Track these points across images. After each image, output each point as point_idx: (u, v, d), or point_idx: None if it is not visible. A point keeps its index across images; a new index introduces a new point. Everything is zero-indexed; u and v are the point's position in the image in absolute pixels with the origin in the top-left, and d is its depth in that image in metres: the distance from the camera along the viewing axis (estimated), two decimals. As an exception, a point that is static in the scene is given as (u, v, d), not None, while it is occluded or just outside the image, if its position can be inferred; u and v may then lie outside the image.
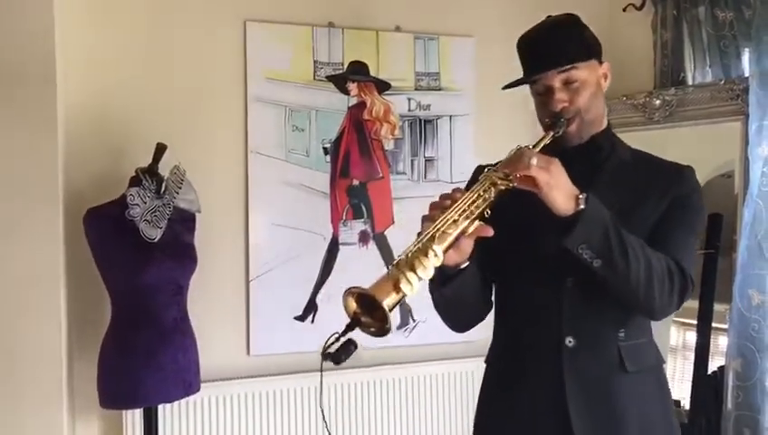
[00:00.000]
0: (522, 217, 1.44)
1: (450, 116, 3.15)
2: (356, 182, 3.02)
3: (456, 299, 1.48)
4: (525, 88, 1.57)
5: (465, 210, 1.33)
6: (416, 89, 3.11)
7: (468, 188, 1.42)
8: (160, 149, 2.46)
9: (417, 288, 1.24)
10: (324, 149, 2.97)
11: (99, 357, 2.39)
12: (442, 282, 1.42)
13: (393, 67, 3.06)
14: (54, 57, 2.34)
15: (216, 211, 2.74)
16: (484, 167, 1.49)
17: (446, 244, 1.30)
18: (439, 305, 1.53)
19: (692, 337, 2.80)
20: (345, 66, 3.00)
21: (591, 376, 1.49)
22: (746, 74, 2.77)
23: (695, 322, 2.81)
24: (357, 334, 1.26)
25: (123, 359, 2.34)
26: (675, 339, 2.95)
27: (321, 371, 1.37)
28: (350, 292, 1.24)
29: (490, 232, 1.34)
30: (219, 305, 2.80)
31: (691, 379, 2.70)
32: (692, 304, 2.82)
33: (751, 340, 2.58)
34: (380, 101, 3.05)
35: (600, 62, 1.56)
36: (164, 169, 2.48)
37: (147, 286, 2.35)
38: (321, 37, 2.97)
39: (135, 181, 2.41)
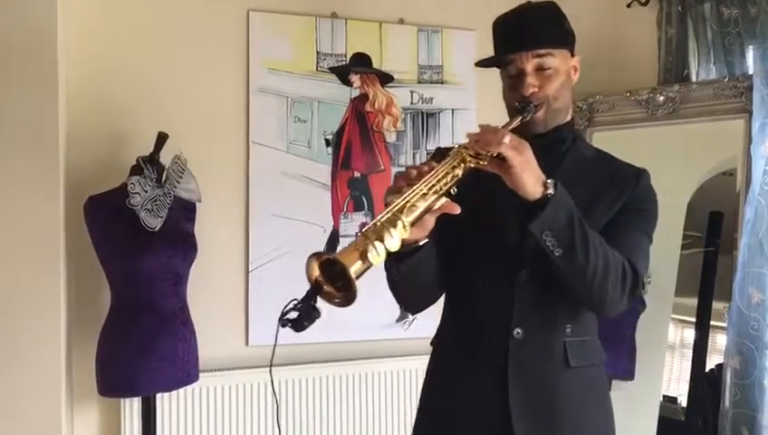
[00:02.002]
0: (483, 208, 1.43)
1: (452, 109, 3.15)
2: (357, 174, 3.02)
3: (411, 277, 1.44)
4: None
5: (433, 185, 1.28)
6: (418, 82, 3.10)
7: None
8: (162, 138, 2.45)
9: (383, 259, 1.19)
10: (326, 140, 2.97)
11: (98, 345, 2.39)
12: (399, 258, 1.37)
13: (396, 59, 3.05)
14: (56, 44, 2.33)
15: (216, 201, 2.74)
16: (444, 149, 1.48)
17: (413, 217, 1.24)
18: (394, 283, 1.49)
19: (690, 335, 2.80)
20: (348, 57, 3.00)
21: (535, 369, 1.49)
22: (750, 72, 2.76)
23: (693, 319, 2.81)
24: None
25: (122, 347, 2.34)
26: (673, 336, 2.95)
27: (276, 340, 1.31)
28: (315, 256, 1.19)
29: (457, 209, 1.30)
30: (218, 296, 2.80)
31: (689, 376, 2.70)
32: (691, 301, 2.82)
33: (750, 338, 2.58)
34: (383, 93, 3.04)
35: (573, 55, 1.55)
36: (165, 158, 2.48)
37: (146, 275, 2.35)
38: (324, 28, 2.96)
39: (136, 170, 2.41)
